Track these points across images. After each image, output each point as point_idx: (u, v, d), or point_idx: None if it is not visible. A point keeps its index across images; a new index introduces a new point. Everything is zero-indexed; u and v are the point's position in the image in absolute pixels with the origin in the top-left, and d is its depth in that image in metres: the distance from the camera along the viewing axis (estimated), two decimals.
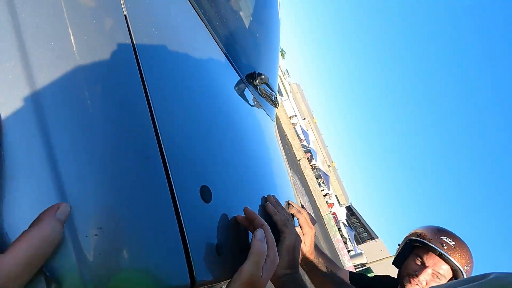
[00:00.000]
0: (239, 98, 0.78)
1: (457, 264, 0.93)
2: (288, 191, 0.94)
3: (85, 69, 0.30)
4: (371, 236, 32.46)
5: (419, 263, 1.02)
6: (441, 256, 0.96)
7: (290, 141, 9.80)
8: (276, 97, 1.10)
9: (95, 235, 0.25)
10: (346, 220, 30.92)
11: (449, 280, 0.96)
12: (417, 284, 0.98)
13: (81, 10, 0.32)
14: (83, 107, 0.28)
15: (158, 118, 0.35)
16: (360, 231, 35.27)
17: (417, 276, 0.99)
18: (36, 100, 0.27)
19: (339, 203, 28.58)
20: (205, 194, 0.39)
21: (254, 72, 0.90)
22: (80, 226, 0.25)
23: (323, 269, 0.91)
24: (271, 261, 0.42)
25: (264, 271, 0.40)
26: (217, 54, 0.69)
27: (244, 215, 0.48)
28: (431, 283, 0.97)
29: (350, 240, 21.21)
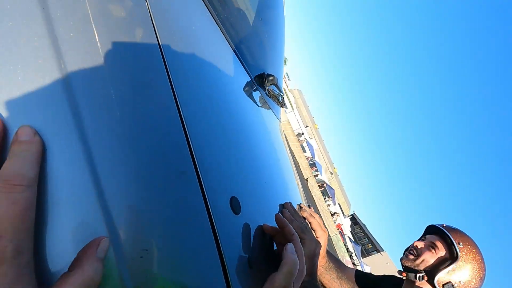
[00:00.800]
0: (249, 100, 0.80)
1: (451, 237, 1.00)
2: (296, 194, 0.97)
3: (114, 78, 0.30)
4: (376, 248, 32.12)
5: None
6: (439, 231, 1.05)
7: (297, 159, 9.68)
8: (283, 98, 1.12)
9: (141, 257, 0.26)
10: (351, 232, 30.67)
11: (444, 258, 1.00)
12: (411, 253, 1.06)
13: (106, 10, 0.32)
14: (116, 125, 0.28)
15: (189, 130, 0.35)
16: (365, 242, 34.92)
17: (412, 245, 1.07)
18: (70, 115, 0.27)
19: (343, 213, 28.42)
20: (235, 205, 0.39)
21: (264, 73, 0.92)
22: (128, 249, 0.26)
23: (334, 272, 0.95)
24: (300, 274, 0.42)
25: (294, 284, 0.39)
26: (229, 55, 0.71)
27: (268, 224, 0.48)
28: (426, 252, 1.03)
29: (356, 255, 21.07)
